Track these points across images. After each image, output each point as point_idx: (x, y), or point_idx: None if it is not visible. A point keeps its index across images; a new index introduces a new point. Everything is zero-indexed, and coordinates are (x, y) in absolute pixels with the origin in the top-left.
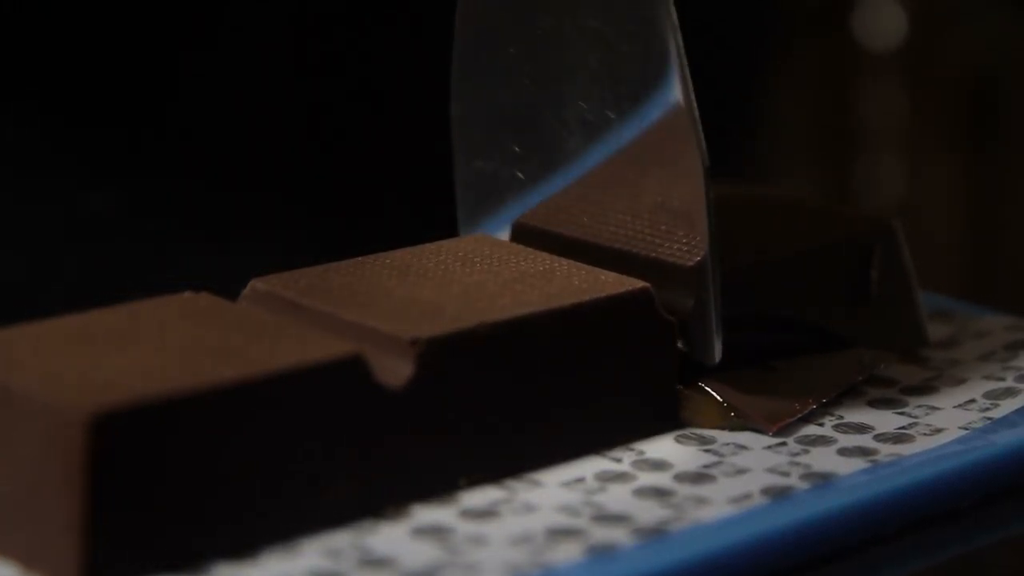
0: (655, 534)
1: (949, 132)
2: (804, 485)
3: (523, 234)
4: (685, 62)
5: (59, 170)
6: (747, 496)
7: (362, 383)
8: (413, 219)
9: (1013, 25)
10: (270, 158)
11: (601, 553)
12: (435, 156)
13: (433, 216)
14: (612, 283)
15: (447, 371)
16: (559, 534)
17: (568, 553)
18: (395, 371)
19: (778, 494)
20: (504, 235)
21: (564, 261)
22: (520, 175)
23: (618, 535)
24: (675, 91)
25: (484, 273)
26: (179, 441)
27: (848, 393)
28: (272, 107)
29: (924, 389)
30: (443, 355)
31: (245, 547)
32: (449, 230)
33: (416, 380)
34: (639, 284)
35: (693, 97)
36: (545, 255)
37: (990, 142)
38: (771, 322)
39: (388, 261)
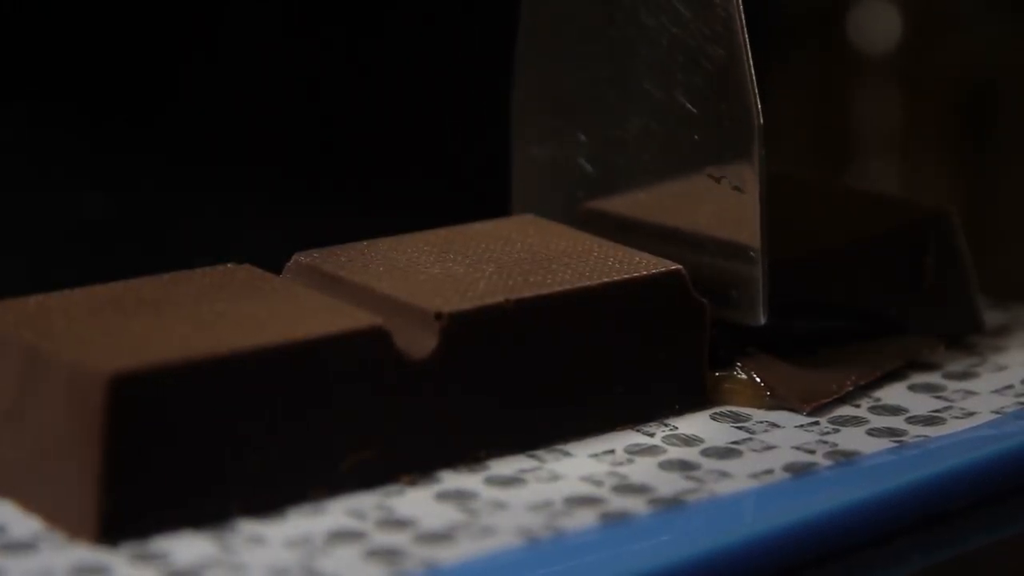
0: (671, 505)
1: (946, 135)
2: (827, 463)
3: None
4: (744, 24)
5: (59, 171)
6: (768, 472)
7: (383, 354)
8: (467, 205)
9: (1009, 29)
10: (295, 146)
11: (614, 521)
12: (489, 140)
13: (486, 200)
14: (645, 264)
15: (471, 345)
16: (577, 502)
17: (582, 520)
18: (421, 343)
19: (799, 470)
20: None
21: (604, 242)
22: (582, 162)
23: (635, 504)
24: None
25: (522, 252)
26: (197, 403)
27: (891, 377)
28: (293, 99)
29: (966, 375)
30: (467, 329)
31: (270, 507)
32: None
33: (440, 352)
34: (672, 266)
35: (749, 57)
36: (587, 236)
37: (987, 143)
38: (825, 309)
39: (430, 238)
